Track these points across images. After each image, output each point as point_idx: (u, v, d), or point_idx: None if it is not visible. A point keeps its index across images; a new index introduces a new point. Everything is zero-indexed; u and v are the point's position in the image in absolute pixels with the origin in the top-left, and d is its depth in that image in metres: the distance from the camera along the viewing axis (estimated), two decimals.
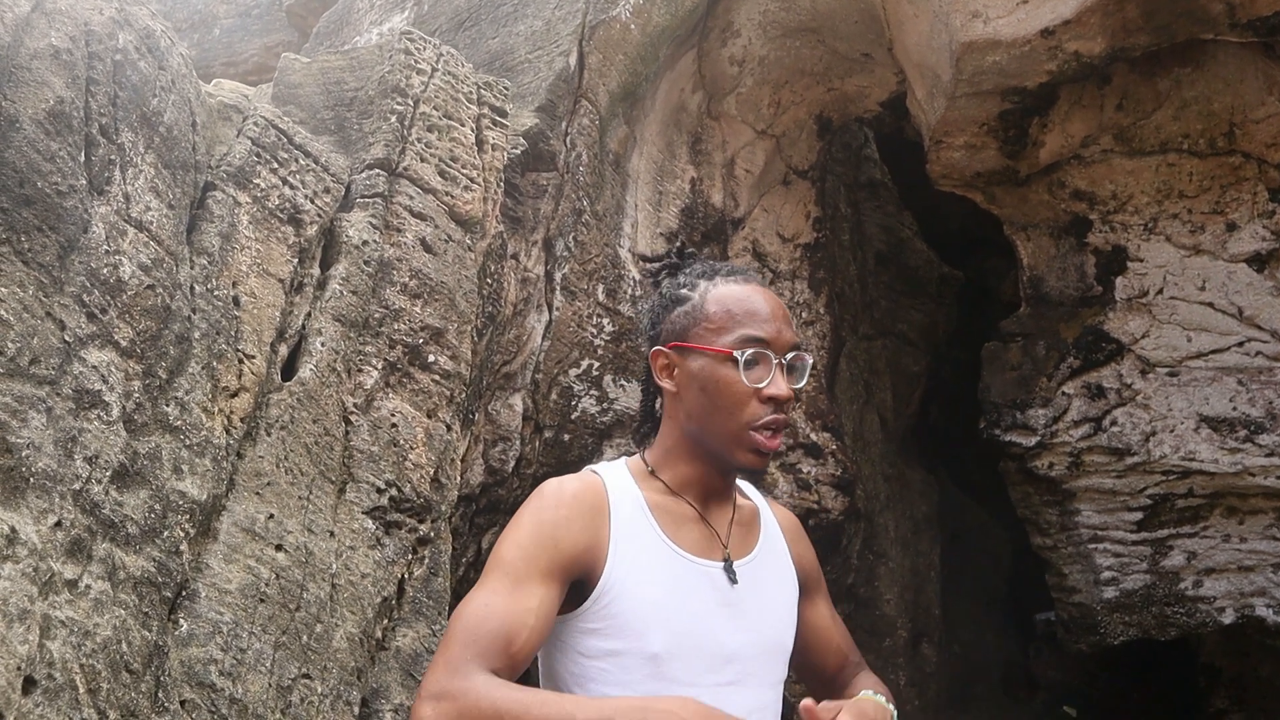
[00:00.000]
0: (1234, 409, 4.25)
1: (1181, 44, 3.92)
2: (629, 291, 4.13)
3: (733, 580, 1.83)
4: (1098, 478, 4.51)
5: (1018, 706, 5.72)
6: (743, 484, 2.07)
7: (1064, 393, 4.50)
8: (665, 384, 1.88)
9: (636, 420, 2.06)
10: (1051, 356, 4.55)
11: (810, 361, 1.85)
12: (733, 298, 1.84)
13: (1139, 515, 4.52)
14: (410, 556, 2.90)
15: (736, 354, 1.78)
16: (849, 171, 5.55)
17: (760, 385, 1.76)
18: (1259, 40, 3.83)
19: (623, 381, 4.36)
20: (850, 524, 4.80)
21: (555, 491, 1.79)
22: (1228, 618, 4.46)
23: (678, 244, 2.00)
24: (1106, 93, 4.22)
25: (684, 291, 1.89)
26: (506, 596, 1.66)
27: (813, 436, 4.63)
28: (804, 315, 4.81)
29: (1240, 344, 4.24)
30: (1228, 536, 4.44)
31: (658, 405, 2.00)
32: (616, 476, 1.88)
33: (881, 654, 5.06)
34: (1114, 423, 4.43)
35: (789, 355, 1.80)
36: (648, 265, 2.00)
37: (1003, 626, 6.10)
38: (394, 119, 3.20)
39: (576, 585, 1.75)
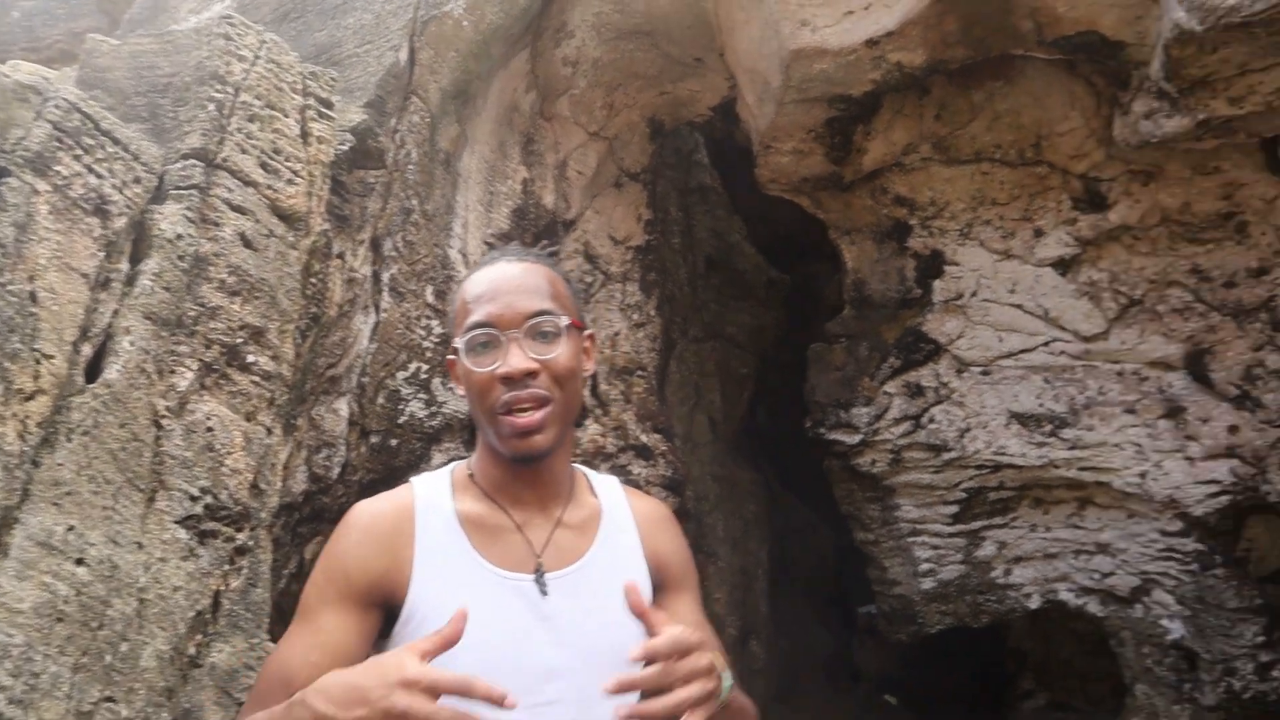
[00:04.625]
0: (1041, 405, 4.48)
1: (995, 59, 4.12)
2: None
3: (543, 592, 1.74)
4: (916, 473, 4.68)
5: (842, 697, 5.88)
6: (599, 481, 2.01)
7: (885, 392, 4.65)
8: (460, 390, 1.83)
9: (469, 424, 2.01)
10: (874, 357, 4.70)
11: (565, 322, 1.75)
12: (470, 284, 1.78)
13: (955, 508, 4.71)
14: (227, 567, 2.74)
15: (458, 342, 1.74)
16: (680, 175, 5.60)
17: (495, 367, 1.70)
18: (1063, 58, 4.05)
19: (452, 385, 4.23)
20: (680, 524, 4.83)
21: (350, 520, 1.74)
22: (1034, 603, 4.70)
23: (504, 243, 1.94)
24: (926, 103, 4.39)
25: (454, 294, 1.83)
26: (294, 637, 1.65)
27: (643, 438, 4.64)
28: (635, 317, 4.83)
29: (1046, 344, 4.47)
30: (1034, 526, 4.67)
31: None
32: (432, 489, 1.80)
33: None
34: (932, 420, 4.60)
35: (530, 323, 1.72)
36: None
37: (828, 621, 6.27)
38: (212, 107, 3.04)
39: (388, 612, 1.69)
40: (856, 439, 4.67)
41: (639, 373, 4.75)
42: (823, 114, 4.29)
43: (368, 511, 1.74)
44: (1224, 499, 4.22)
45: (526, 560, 1.77)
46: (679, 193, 5.49)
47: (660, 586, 1.90)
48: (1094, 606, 4.65)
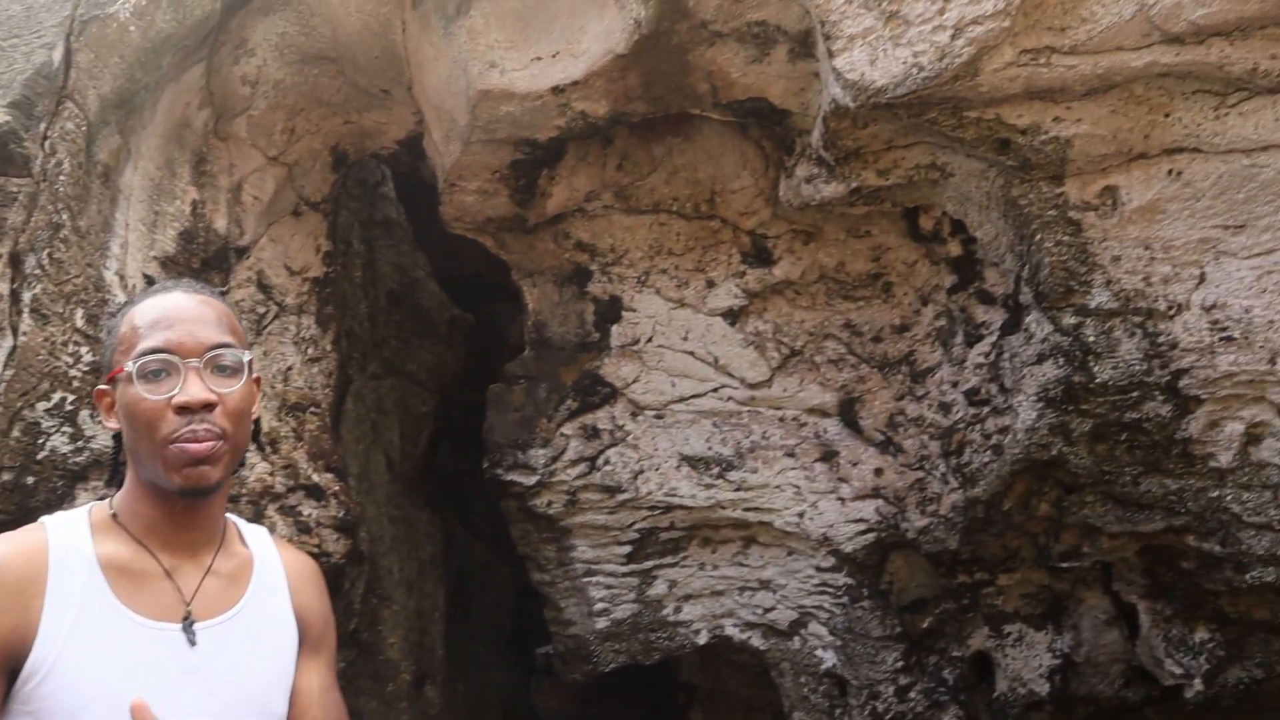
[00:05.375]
0: (709, 449, 4.68)
1: (675, 116, 4.30)
2: None
3: (191, 642, 1.69)
4: (592, 514, 4.75)
5: None
6: (249, 530, 1.93)
7: (563, 433, 4.71)
8: (109, 423, 1.72)
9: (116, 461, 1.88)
10: (552, 399, 4.75)
11: (245, 356, 1.74)
12: (141, 311, 1.73)
13: (628, 549, 4.82)
14: None
15: (128, 367, 1.66)
16: (364, 208, 5.47)
17: (170, 395, 1.65)
18: (736, 120, 4.30)
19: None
20: (353, 567, 4.67)
21: None
22: (702, 639, 4.87)
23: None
24: (609, 153, 4.52)
25: (115, 320, 1.77)
26: None
27: (315, 478, 4.46)
28: (310, 351, 4.65)
29: (715, 389, 4.68)
30: (703, 565, 4.85)
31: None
32: (69, 532, 1.66)
33: (385, 699, 4.97)
34: (607, 462, 4.70)
35: (211, 354, 1.69)
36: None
37: (506, 663, 6.24)
38: None
39: (10, 672, 1.53)
40: (533, 480, 4.69)
41: (312, 409, 4.56)
42: (508, 156, 4.33)
43: None
44: (870, 536, 4.56)
45: (174, 608, 1.69)
46: (362, 225, 5.36)
47: (303, 642, 1.86)
48: (757, 640, 4.89)
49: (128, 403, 1.67)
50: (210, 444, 1.65)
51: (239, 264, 4.49)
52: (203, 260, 4.26)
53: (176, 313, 1.70)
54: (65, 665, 1.55)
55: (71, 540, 1.66)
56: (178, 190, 4.18)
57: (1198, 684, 4.19)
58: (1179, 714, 4.46)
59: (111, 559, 1.67)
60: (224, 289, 4.33)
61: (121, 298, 3.81)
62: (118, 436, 1.83)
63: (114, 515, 1.72)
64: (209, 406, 1.65)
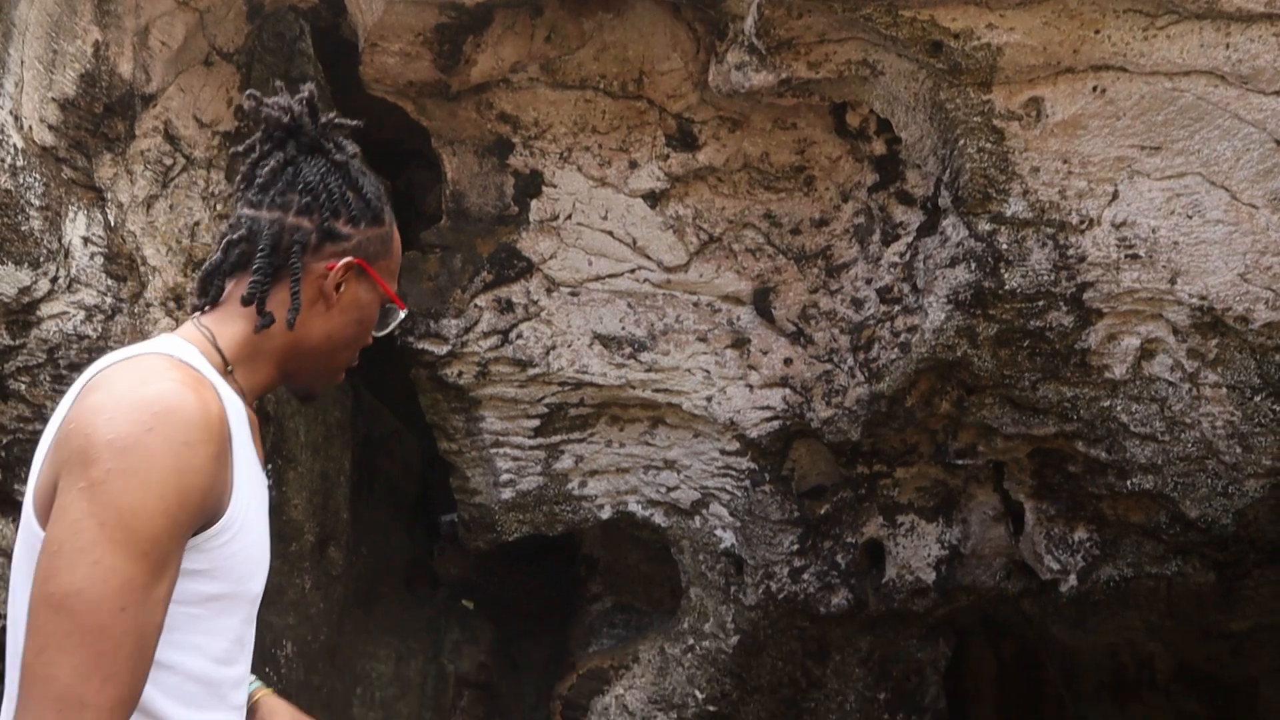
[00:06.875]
0: (623, 328, 4.70)
1: None
2: (8, 160, 3.59)
3: (271, 488, 1.80)
4: (502, 387, 4.78)
5: (420, 603, 5.97)
6: None
7: (476, 305, 4.68)
8: (333, 295, 1.69)
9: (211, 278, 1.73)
10: (467, 270, 4.70)
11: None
12: (400, 248, 1.88)
13: (536, 422, 4.87)
14: None
15: (403, 312, 1.86)
16: (280, 62, 5.23)
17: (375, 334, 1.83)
18: (670, 1, 4.18)
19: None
20: (260, 428, 4.65)
21: (189, 419, 1.41)
22: (606, 514, 5.00)
23: (332, 113, 1.89)
24: (538, 24, 4.38)
25: (384, 211, 1.78)
26: (142, 590, 1.31)
27: None
28: (220, 208, 4.51)
29: (632, 270, 4.68)
30: (610, 442, 4.93)
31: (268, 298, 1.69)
32: (216, 380, 1.57)
33: (288, 559, 5.00)
34: (519, 336, 4.70)
35: None
36: (279, 105, 1.77)
37: (410, 529, 6.31)
38: None
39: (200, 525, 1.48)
40: (445, 350, 4.67)
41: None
42: (433, 19, 4.17)
43: (207, 410, 1.46)
44: (776, 424, 4.67)
45: (259, 454, 1.73)
46: (278, 80, 5.14)
47: None
48: (659, 518, 5.02)
49: (368, 319, 1.76)
50: None
51: (145, 112, 4.30)
52: (105, 106, 4.07)
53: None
54: (248, 525, 1.54)
55: (225, 393, 1.58)
56: (79, 29, 3.95)
57: (1073, 579, 4.43)
58: (1052, 606, 4.73)
59: (242, 411, 1.62)
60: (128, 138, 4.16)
61: (16, 140, 3.64)
62: (271, 275, 1.67)
63: (230, 369, 1.64)
64: None
